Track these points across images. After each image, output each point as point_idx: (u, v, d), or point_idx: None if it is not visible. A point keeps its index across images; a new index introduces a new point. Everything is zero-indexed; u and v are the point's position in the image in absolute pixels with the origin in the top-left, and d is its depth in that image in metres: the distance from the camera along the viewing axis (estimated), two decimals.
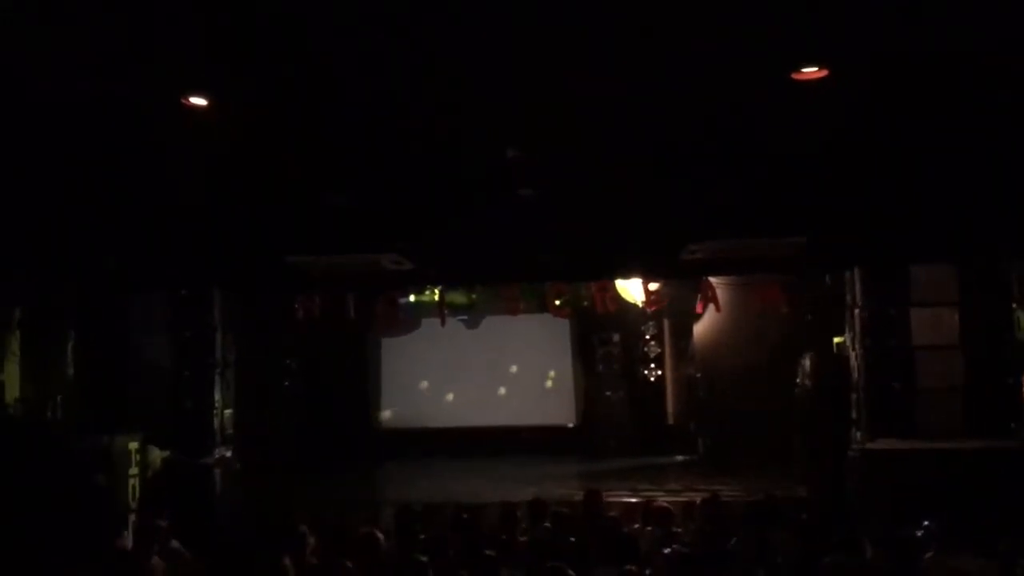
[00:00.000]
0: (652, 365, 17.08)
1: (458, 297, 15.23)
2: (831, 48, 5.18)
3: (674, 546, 6.48)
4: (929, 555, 6.23)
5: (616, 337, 17.11)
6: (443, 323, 14.45)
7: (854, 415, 10.80)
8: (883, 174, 7.77)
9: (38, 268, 9.32)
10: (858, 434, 10.59)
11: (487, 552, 6.24)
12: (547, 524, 7.69)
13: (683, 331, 16.13)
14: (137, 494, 9.27)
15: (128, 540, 8.34)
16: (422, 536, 7.13)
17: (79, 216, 8.46)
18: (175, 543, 6.94)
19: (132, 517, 9.03)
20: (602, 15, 4.65)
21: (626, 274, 12.80)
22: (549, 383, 17.48)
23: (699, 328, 15.38)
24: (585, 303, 14.30)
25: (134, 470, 9.33)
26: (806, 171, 7.70)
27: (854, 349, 10.94)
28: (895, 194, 8.27)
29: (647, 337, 17.05)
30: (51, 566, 7.52)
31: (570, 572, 5.42)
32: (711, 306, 12.92)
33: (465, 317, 16.56)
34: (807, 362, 12.04)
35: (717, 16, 4.70)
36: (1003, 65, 5.41)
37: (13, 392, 9.60)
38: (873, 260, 10.55)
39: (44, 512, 8.28)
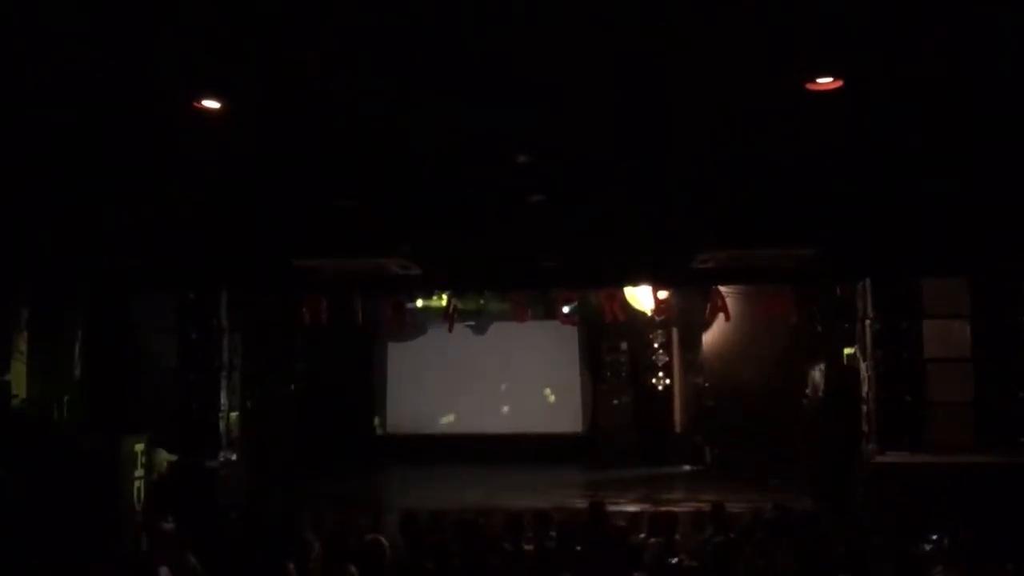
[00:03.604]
0: (660, 374, 17.05)
1: (466, 303, 15.19)
2: (846, 59, 5.16)
3: (680, 556, 6.43)
4: (938, 570, 6.17)
5: (624, 345, 17.06)
6: (451, 329, 14.40)
7: (864, 427, 10.75)
8: (895, 186, 7.73)
9: (46, 268, 9.33)
10: (867, 446, 10.54)
11: (492, 560, 6.20)
12: (552, 533, 7.64)
13: (692, 340, 16.08)
14: (142, 496, 9.24)
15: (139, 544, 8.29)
16: (427, 543, 7.09)
17: (87, 217, 8.47)
18: (188, 556, 6.82)
19: (137, 519, 9.01)
20: (617, 23, 4.63)
21: (635, 282, 12.76)
22: (555, 392, 17.44)
23: (708, 337, 15.32)
24: (594, 312, 14.25)
25: (139, 472, 9.30)
26: (818, 182, 7.68)
27: (864, 361, 10.89)
28: (907, 206, 8.24)
29: (655, 346, 17.02)
30: (57, 566, 7.49)
31: None
32: (720, 316, 12.86)
33: (472, 323, 16.51)
34: (817, 373, 11.99)
35: (733, 26, 4.67)
36: (1015, 76, 5.38)
37: (20, 391, 9.58)
38: (884, 271, 10.50)
39: (49, 512, 8.25)
